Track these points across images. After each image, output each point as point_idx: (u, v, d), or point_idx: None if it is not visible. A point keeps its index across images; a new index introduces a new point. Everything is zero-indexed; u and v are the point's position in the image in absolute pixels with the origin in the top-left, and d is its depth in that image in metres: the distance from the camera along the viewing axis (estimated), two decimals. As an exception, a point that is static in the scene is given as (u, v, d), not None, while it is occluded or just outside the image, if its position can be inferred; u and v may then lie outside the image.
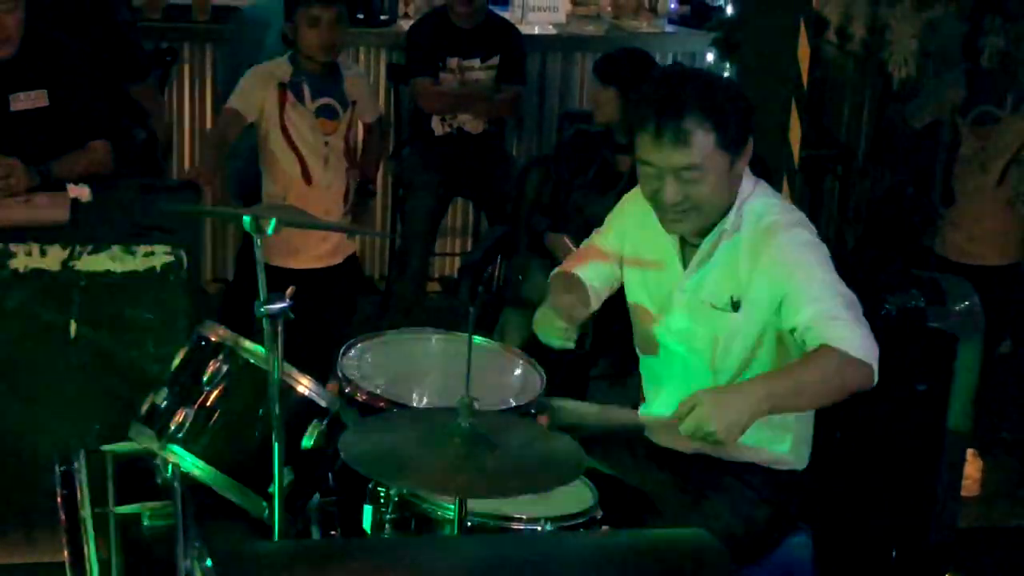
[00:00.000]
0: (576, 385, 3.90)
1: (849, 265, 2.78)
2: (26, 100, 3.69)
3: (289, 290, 2.37)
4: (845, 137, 5.83)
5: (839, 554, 3.06)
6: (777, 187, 3.51)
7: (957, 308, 3.06)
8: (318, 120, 4.26)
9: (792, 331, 2.54)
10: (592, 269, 2.87)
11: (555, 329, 2.65)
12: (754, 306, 2.63)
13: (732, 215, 2.66)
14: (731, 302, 2.65)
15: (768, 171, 3.43)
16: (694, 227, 2.66)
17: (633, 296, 2.85)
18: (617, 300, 2.90)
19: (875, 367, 2.44)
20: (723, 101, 2.59)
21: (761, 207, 2.67)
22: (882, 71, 5.17)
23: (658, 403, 2.80)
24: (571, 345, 2.67)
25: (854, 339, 2.43)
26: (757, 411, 2.38)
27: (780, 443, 2.75)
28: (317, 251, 4.28)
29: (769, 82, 3.57)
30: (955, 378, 3.08)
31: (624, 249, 2.84)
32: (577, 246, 3.86)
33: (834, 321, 2.45)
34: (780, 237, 2.60)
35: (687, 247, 2.73)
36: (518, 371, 3.00)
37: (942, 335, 3.05)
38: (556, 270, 2.92)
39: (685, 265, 2.73)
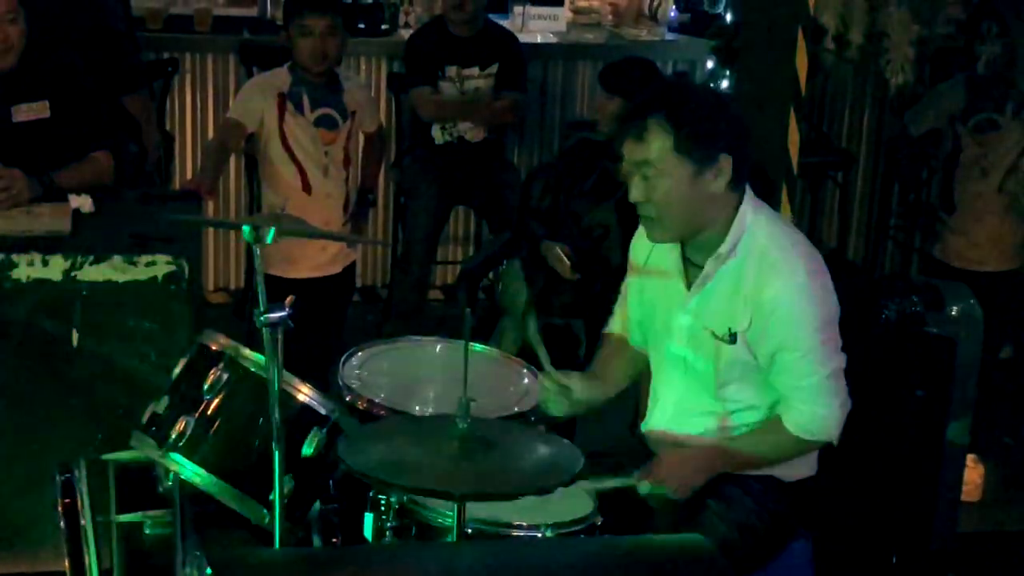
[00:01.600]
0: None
1: (849, 272, 2.78)
2: (28, 111, 3.70)
3: (288, 299, 2.38)
4: (844, 143, 5.85)
5: (839, 560, 3.07)
6: (777, 195, 3.51)
7: (956, 313, 3.07)
8: (317, 130, 4.25)
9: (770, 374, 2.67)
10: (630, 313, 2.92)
11: (546, 395, 2.78)
12: (750, 341, 2.65)
13: (730, 237, 2.66)
14: (729, 333, 2.66)
15: (768, 181, 3.43)
16: (665, 237, 2.70)
17: (636, 312, 2.86)
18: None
19: (836, 436, 2.70)
20: (691, 110, 2.62)
21: (765, 237, 2.66)
22: (880, 78, 5.18)
23: (658, 416, 2.82)
24: (563, 416, 2.82)
25: (824, 425, 2.67)
26: (711, 472, 2.68)
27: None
28: (316, 261, 4.28)
29: (768, 89, 3.57)
30: (954, 383, 3.08)
31: (638, 264, 2.86)
32: (573, 255, 3.89)
33: (811, 407, 2.65)
34: (784, 279, 2.61)
35: (691, 267, 2.74)
36: (518, 379, 3.01)
37: (941, 340, 3.05)
38: (605, 329, 2.98)
39: (688, 286, 2.74)
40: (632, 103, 2.69)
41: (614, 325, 2.95)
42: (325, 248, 4.30)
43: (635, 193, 2.65)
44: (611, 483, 2.68)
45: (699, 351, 2.71)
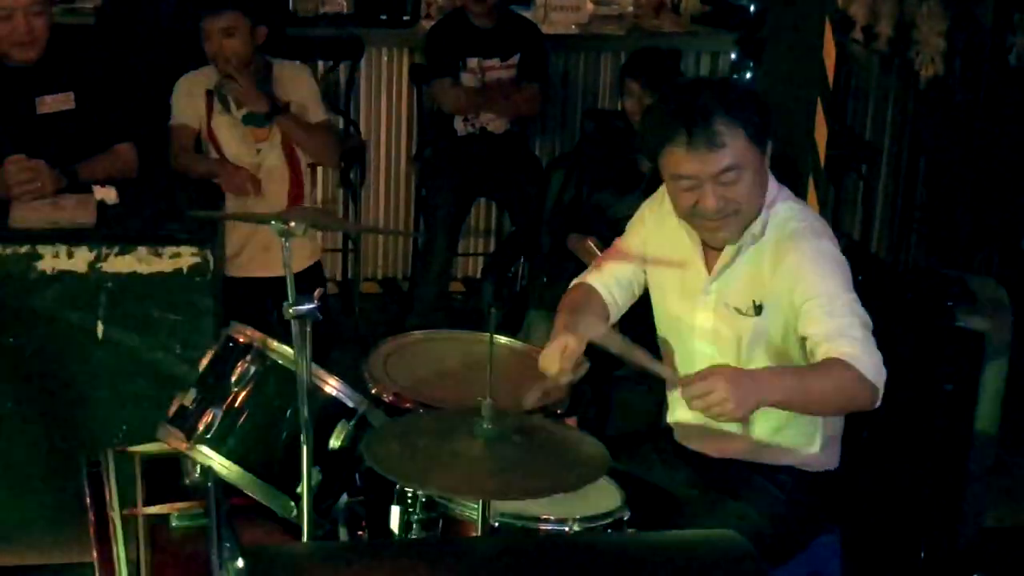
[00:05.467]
0: (600, 383, 3.88)
1: (874, 266, 2.77)
2: (53, 103, 3.70)
3: (317, 292, 2.38)
4: (869, 136, 5.82)
5: (867, 554, 3.05)
6: (803, 187, 3.50)
7: (985, 307, 3.04)
8: (246, 128, 4.05)
9: (804, 339, 2.54)
10: (612, 280, 2.84)
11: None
12: (776, 310, 2.62)
13: (759, 219, 2.65)
14: (754, 306, 2.64)
15: (796, 172, 3.41)
16: (734, 232, 2.64)
17: (658, 299, 2.84)
18: (643, 301, 2.89)
19: (880, 392, 2.46)
20: (742, 97, 2.61)
21: (786, 212, 2.67)
22: (908, 70, 5.15)
23: (682, 407, 2.79)
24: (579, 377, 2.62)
25: (869, 361, 2.44)
26: (767, 399, 2.38)
27: (810, 443, 2.74)
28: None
29: (794, 82, 3.55)
30: (983, 378, 3.06)
31: (647, 253, 2.83)
32: (601, 247, 3.87)
33: (851, 340, 2.46)
34: (805, 244, 2.60)
35: (709, 250, 2.73)
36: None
37: (970, 334, 3.03)
38: (574, 281, 2.88)
39: (709, 268, 2.72)
40: (682, 114, 2.53)
41: (593, 281, 2.85)
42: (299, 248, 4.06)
43: (711, 203, 2.55)
44: (648, 363, 2.48)
45: (722, 332, 2.70)
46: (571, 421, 2.69)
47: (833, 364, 2.43)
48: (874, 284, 2.91)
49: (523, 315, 4.30)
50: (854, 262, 2.68)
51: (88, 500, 2.75)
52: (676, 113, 2.55)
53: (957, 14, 4.79)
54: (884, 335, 2.69)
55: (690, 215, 2.63)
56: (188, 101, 4.07)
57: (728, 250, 2.67)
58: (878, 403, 2.47)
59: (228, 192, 4.00)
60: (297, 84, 4.14)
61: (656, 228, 2.82)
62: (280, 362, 2.53)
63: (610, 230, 3.01)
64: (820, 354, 2.47)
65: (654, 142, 2.60)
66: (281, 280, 3.90)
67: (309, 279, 4.13)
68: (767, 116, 2.62)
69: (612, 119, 4.72)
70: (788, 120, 3.46)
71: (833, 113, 4.77)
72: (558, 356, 2.57)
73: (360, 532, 2.63)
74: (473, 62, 5.10)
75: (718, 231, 2.64)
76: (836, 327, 2.48)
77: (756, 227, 2.65)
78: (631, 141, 4.23)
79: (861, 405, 2.48)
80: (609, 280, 2.85)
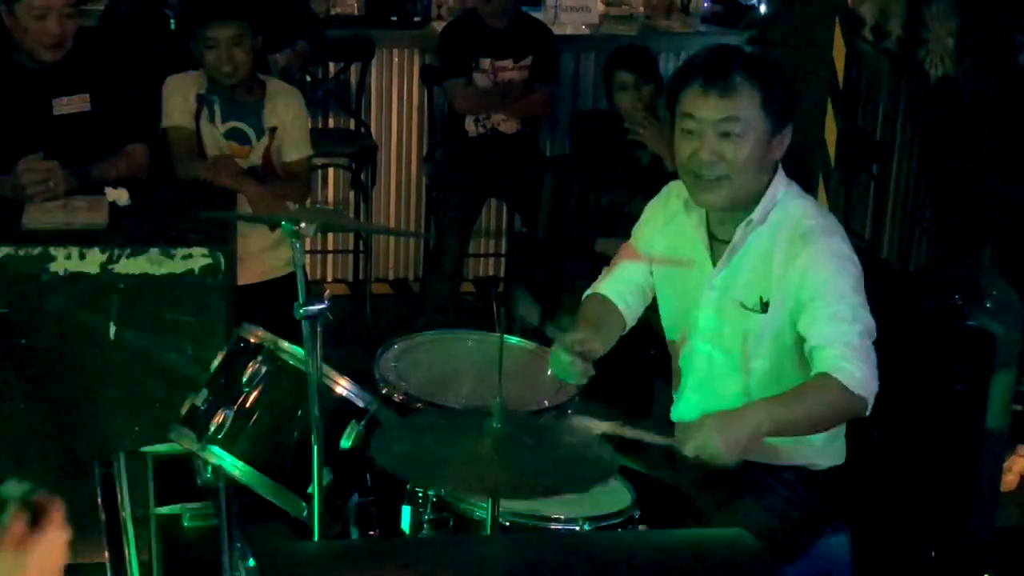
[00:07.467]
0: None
1: (883, 273, 2.77)
2: (69, 104, 3.70)
3: (326, 291, 2.39)
4: (879, 135, 5.81)
5: (878, 553, 3.05)
6: (813, 186, 3.50)
7: (996, 306, 3.04)
8: (228, 143, 3.93)
9: (803, 338, 2.56)
10: (624, 286, 2.85)
11: (564, 366, 2.63)
12: (783, 307, 2.62)
13: (761, 205, 2.66)
14: (761, 302, 2.65)
15: (806, 172, 3.41)
16: (725, 200, 2.64)
17: (662, 296, 2.85)
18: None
19: (871, 403, 2.51)
20: (769, 69, 2.66)
21: (799, 208, 2.67)
22: (918, 69, 5.15)
23: (686, 402, 2.80)
24: (584, 381, 2.64)
25: (860, 375, 2.48)
26: (757, 433, 2.45)
27: (813, 441, 2.73)
28: (264, 266, 3.98)
29: (805, 81, 3.55)
30: (993, 376, 3.05)
31: (654, 252, 2.84)
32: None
33: (847, 350, 2.49)
34: (819, 243, 2.61)
35: (716, 243, 2.73)
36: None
37: (980, 333, 3.03)
38: (587, 292, 2.89)
39: (714, 262, 2.73)
40: (706, 61, 2.62)
41: (606, 289, 2.85)
42: (278, 252, 3.97)
43: (707, 153, 2.59)
44: (651, 437, 2.52)
45: (726, 327, 2.70)
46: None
47: (821, 383, 2.48)
48: (886, 283, 2.90)
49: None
50: (863, 264, 2.68)
51: (100, 501, 2.76)
52: (701, 62, 2.65)
53: (966, 13, 4.79)
54: (895, 334, 2.70)
55: (686, 166, 2.65)
56: (180, 102, 3.95)
57: (733, 239, 2.67)
58: (868, 412, 2.52)
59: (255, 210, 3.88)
60: (287, 111, 3.98)
61: (663, 226, 2.83)
62: (290, 362, 2.54)
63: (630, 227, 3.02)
64: (815, 360, 2.51)
65: (674, 87, 2.67)
66: (266, 287, 3.95)
67: (288, 287, 4.07)
68: (789, 98, 2.66)
69: (602, 118, 4.72)
70: (798, 120, 3.45)
71: (843, 113, 4.78)
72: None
73: (371, 532, 2.64)
74: (486, 62, 5.11)
75: (707, 193, 2.64)
76: (836, 332, 2.51)
77: (756, 213, 2.65)
78: (627, 136, 4.24)
79: (852, 417, 2.56)
80: (621, 286, 2.85)
